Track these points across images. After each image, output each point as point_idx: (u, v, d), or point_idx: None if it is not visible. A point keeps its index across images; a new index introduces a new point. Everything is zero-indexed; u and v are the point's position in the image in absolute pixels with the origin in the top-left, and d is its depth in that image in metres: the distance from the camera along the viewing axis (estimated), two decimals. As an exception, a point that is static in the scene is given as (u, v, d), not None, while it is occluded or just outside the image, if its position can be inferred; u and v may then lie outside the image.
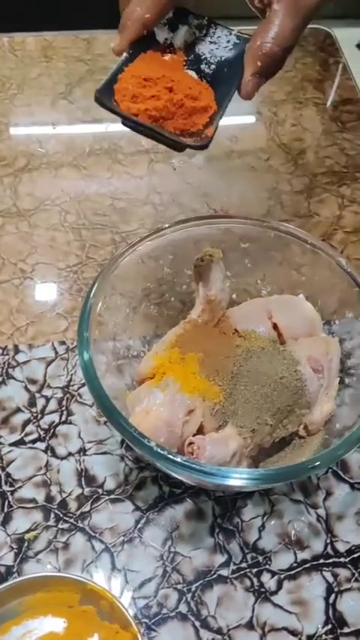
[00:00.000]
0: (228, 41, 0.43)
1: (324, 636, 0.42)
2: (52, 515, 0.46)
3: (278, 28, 0.40)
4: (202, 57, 0.43)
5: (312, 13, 0.41)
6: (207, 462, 0.40)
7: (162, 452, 0.38)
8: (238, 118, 0.74)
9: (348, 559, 0.45)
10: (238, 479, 0.38)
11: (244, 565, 0.44)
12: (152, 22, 0.41)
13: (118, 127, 0.71)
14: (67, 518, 0.45)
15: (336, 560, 0.45)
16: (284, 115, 0.74)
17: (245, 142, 0.71)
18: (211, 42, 0.43)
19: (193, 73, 0.43)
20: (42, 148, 0.68)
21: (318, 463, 0.39)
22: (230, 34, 0.43)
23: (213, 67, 0.43)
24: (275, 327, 0.48)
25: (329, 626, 0.42)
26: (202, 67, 0.43)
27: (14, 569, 0.44)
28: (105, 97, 0.40)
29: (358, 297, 0.48)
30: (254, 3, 0.42)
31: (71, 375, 0.52)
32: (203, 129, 0.40)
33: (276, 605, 0.43)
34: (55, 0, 1.05)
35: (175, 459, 0.38)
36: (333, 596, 0.43)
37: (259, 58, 0.40)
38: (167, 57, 0.42)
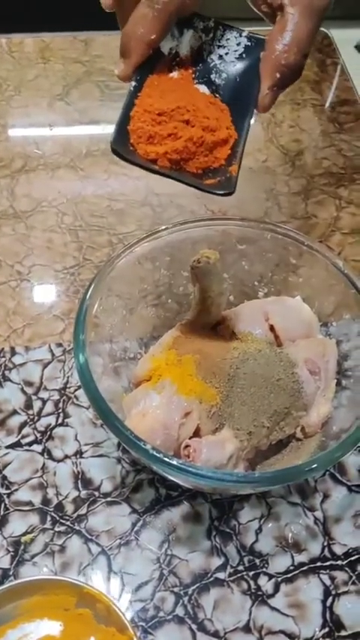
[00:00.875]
0: (238, 44, 0.40)
1: (321, 639, 0.42)
2: (49, 518, 0.45)
3: (295, 33, 0.37)
4: (212, 65, 0.40)
5: (324, 13, 0.38)
6: (203, 464, 0.40)
7: (158, 455, 0.38)
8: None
9: (345, 562, 0.45)
10: (235, 482, 0.38)
11: (241, 568, 0.44)
12: (157, 41, 0.38)
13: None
14: (63, 521, 0.45)
15: (333, 562, 0.45)
16: (282, 116, 0.74)
17: (243, 143, 0.71)
18: (219, 46, 0.40)
19: (204, 89, 0.40)
20: (39, 150, 0.68)
21: (315, 465, 0.39)
22: (240, 35, 0.40)
23: (224, 75, 0.40)
24: (272, 329, 0.48)
25: (326, 629, 0.42)
26: (213, 77, 0.40)
27: (10, 572, 0.43)
28: (120, 144, 0.37)
29: (355, 298, 0.48)
30: (260, 7, 0.39)
31: (68, 377, 0.52)
32: (226, 164, 0.38)
33: (273, 609, 0.43)
34: (53, 1, 1.05)
35: (170, 461, 0.37)
36: (330, 599, 0.43)
37: (278, 69, 0.37)
38: (175, 73, 0.39)
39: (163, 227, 0.50)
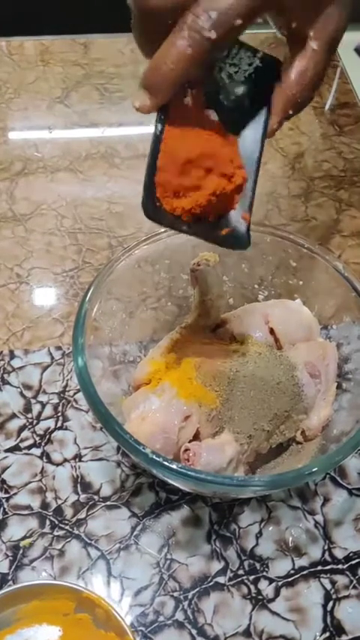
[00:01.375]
0: (250, 64, 0.37)
1: (322, 644, 0.42)
2: (48, 522, 0.45)
3: (316, 70, 0.35)
4: (221, 84, 0.38)
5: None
6: (203, 468, 0.39)
7: (157, 459, 0.37)
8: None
9: (346, 566, 0.44)
10: (235, 485, 0.38)
11: (241, 572, 0.44)
12: (184, 80, 0.33)
13: (114, 131, 0.71)
14: (62, 525, 0.45)
15: (334, 566, 0.44)
16: (281, 118, 0.74)
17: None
18: (231, 64, 0.38)
19: (214, 115, 0.37)
20: (38, 152, 0.68)
21: (315, 469, 0.39)
22: (254, 55, 0.37)
23: (232, 97, 0.38)
24: (272, 332, 0.48)
25: (327, 634, 0.42)
26: (221, 98, 0.38)
27: (9, 577, 0.43)
28: (149, 202, 0.37)
29: (355, 301, 0.48)
30: (279, 28, 0.36)
31: (67, 380, 0.52)
32: (237, 207, 0.37)
33: (273, 613, 0.43)
34: (52, 4, 1.05)
35: (170, 465, 0.37)
36: (331, 604, 0.43)
37: (293, 106, 0.35)
38: (189, 98, 0.37)
39: (163, 230, 0.50)
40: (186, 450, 0.40)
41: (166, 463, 0.37)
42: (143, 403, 0.42)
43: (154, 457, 0.37)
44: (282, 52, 0.78)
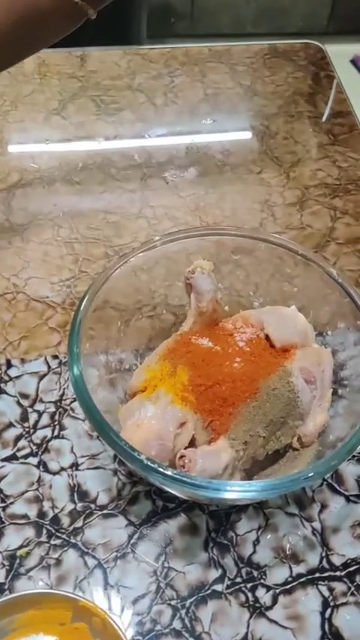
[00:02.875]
0: None
1: (320, 652, 0.41)
2: (45, 531, 0.45)
3: None
4: None
5: None
6: (198, 474, 0.39)
7: (153, 465, 0.37)
8: (230, 132, 0.74)
9: (344, 572, 0.44)
10: (231, 491, 0.38)
11: (238, 580, 0.44)
12: None
13: (110, 142, 0.72)
14: (59, 534, 0.45)
15: (332, 573, 0.44)
16: (276, 128, 0.74)
17: (237, 155, 0.71)
18: None
19: None
20: (35, 164, 0.69)
21: (311, 474, 0.39)
22: None
23: None
24: (267, 338, 0.48)
25: (325, 642, 0.42)
26: None
27: (5, 587, 0.43)
28: None
29: (350, 308, 0.48)
30: None
31: (64, 389, 0.52)
32: None
33: (271, 621, 0.42)
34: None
35: (165, 472, 0.37)
36: (329, 611, 0.43)
37: None
38: None
39: (158, 237, 0.50)
40: (182, 456, 0.40)
41: (161, 469, 0.37)
42: (138, 410, 0.42)
43: (149, 463, 0.37)
44: (277, 64, 0.79)
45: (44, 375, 0.53)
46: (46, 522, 0.45)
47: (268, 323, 0.49)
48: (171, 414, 0.41)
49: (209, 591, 0.43)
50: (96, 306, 0.46)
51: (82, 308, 0.45)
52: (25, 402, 0.51)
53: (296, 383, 0.45)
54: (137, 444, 0.39)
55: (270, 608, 0.43)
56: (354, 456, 0.49)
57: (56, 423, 0.50)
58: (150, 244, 0.51)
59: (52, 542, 0.45)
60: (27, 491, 0.47)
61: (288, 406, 0.44)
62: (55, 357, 0.54)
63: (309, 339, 0.49)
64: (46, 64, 0.79)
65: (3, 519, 0.45)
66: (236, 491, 0.38)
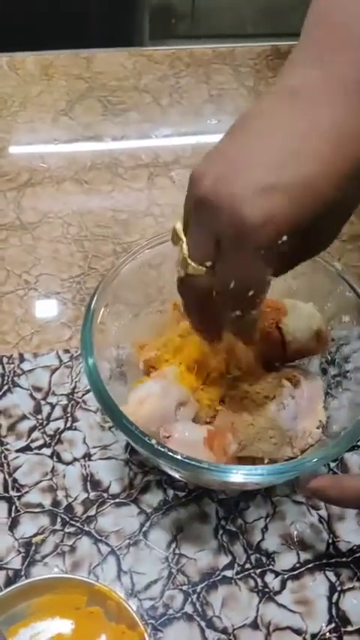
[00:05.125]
0: None
1: (328, 635, 0.43)
2: (59, 520, 0.46)
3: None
4: None
5: None
6: (179, 445, 0.40)
7: (163, 450, 0.39)
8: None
9: (350, 559, 0.45)
10: (237, 474, 0.39)
11: (248, 566, 0.45)
12: None
13: (117, 142, 0.73)
14: (73, 522, 0.46)
15: (338, 560, 0.45)
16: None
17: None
18: None
19: None
20: (44, 163, 0.70)
21: (315, 460, 0.40)
22: None
23: None
24: (279, 329, 0.49)
25: (333, 625, 0.43)
26: None
27: (22, 573, 0.44)
28: None
29: (354, 302, 0.49)
30: None
31: (75, 382, 0.53)
32: None
33: (280, 605, 0.44)
34: (55, 20, 1.08)
35: (175, 456, 0.39)
36: (336, 596, 0.44)
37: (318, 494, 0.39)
38: None
39: (166, 232, 0.51)
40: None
41: (170, 453, 0.39)
42: (142, 388, 0.43)
43: (159, 448, 0.39)
44: (279, 65, 0.80)
45: (56, 369, 0.54)
46: (60, 511, 0.47)
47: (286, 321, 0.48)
48: (174, 391, 0.42)
49: (219, 577, 0.44)
50: (107, 300, 0.48)
51: (94, 302, 0.46)
52: (38, 395, 0.52)
53: (286, 392, 0.45)
54: (140, 420, 0.40)
55: (279, 592, 0.44)
56: (358, 446, 0.51)
57: (69, 415, 0.51)
58: (158, 241, 0.52)
59: (67, 529, 0.46)
60: (41, 481, 0.48)
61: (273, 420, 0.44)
62: (67, 351, 0.55)
63: (320, 344, 0.49)
64: (53, 66, 0.81)
65: (18, 508, 0.47)
66: (242, 474, 0.40)
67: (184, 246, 0.36)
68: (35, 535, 0.46)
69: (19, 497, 0.47)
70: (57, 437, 0.50)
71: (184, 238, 0.36)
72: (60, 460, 0.49)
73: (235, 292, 0.34)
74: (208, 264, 0.35)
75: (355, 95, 0.32)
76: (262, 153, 0.33)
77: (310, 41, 0.35)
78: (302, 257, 0.37)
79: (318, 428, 0.46)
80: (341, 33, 0.33)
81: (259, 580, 0.45)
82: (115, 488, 0.48)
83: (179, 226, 0.37)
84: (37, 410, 0.52)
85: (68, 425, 0.51)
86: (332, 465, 0.50)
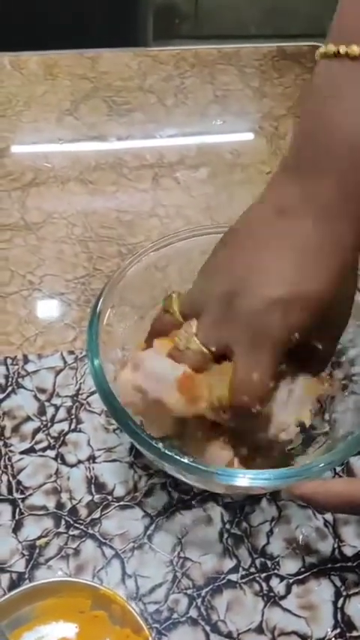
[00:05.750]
0: None
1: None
2: (63, 522, 0.46)
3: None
4: None
5: None
6: (147, 376, 0.39)
7: (169, 453, 0.39)
8: (240, 132, 0.75)
9: (355, 563, 0.45)
10: (243, 478, 0.39)
11: (253, 570, 0.45)
12: None
13: (122, 142, 0.73)
14: (77, 525, 0.46)
15: (343, 564, 0.45)
16: (285, 129, 0.75)
17: (247, 155, 0.72)
18: None
19: None
20: (48, 163, 0.70)
21: (322, 465, 0.40)
22: None
23: None
24: None
25: (338, 630, 0.43)
26: None
27: (25, 576, 0.44)
28: None
29: (360, 307, 0.49)
30: None
31: (80, 384, 0.53)
32: None
33: (285, 610, 0.43)
34: (58, 20, 1.08)
35: (181, 459, 0.38)
36: (341, 600, 0.44)
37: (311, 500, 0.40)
38: None
39: (172, 235, 0.51)
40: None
41: (176, 457, 0.38)
42: (133, 356, 0.41)
43: (166, 451, 0.39)
44: (285, 66, 0.80)
45: (61, 370, 0.54)
46: (65, 513, 0.46)
47: None
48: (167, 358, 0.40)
49: (224, 581, 0.44)
50: (113, 302, 0.48)
51: (100, 303, 0.46)
52: (43, 397, 0.52)
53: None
54: (135, 385, 0.39)
55: (284, 597, 0.44)
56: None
57: (73, 416, 0.51)
58: (164, 243, 0.52)
59: (71, 532, 0.46)
60: (45, 483, 0.48)
61: None
62: (71, 352, 0.55)
63: None
64: (57, 65, 0.80)
65: (22, 510, 0.46)
66: (248, 478, 0.39)
67: (192, 323, 0.40)
68: (39, 538, 0.45)
69: (22, 500, 0.47)
70: (61, 439, 0.50)
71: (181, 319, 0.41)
72: (64, 462, 0.49)
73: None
74: (213, 349, 0.38)
75: (331, 215, 0.36)
76: (268, 268, 0.37)
77: (294, 161, 0.38)
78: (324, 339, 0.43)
79: (297, 427, 0.45)
80: (325, 158, 0.36)
81: (264, 584, 0.44)
82: (119, 491, 0.48)
83: (175, 297, 0.42)
84: (42, 411, 0.51)
85: (73, 427, 0.51)
86: (338, 469, 0.50)
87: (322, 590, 0.44)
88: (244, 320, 0.37)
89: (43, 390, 0.52)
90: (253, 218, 0.39)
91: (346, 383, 0.49)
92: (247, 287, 0.37)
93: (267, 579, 0.44)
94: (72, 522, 0.46)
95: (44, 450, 0.49)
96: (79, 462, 0.49)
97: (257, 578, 0.44)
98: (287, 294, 0.36)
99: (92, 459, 0.49)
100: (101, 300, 0.46)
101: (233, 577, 0.44)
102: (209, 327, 0.39)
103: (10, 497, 0.47)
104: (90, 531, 0.46)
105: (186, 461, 0.39)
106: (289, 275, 0.37)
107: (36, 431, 0.50)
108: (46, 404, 0.52)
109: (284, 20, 2.03)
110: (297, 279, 0.37)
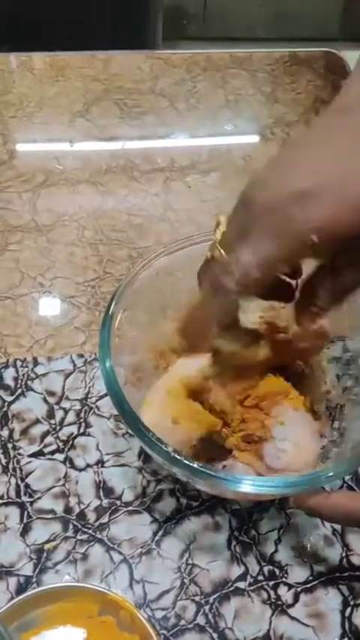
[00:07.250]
0: None
1: (341, 650, 0.42)
2: (71, 526, 0.46)
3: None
4: None
5: None
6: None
7: (178, 457, 0.38)
8: (251, 137, 0.75)
9: (363, 573, 0.45)
10: (251, 485, 0.39)
11: (260, 578, 0.45)
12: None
13: (134, 144, 0.73)
14: (85, 530, 0.46)
15: (351, 573, 0.45)
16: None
17: (259, 161, 0.72)
18: None
19: None
20: (60, 165, 0.70)
21: (331, 474, 0.40)
22: None
23: None
24: None
25: (346, 639, 0.43)
26: None
27: (33, 580, 0.44)
28: None
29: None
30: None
31: (89, 387, 0.53)
32: None
33: (293, 618, 0.43)
34: (67, 21, 1.08)
35: (191, 464, 0.38)
36: (349, 610, 0.44)
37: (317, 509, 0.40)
38: None
39: (183, 238, 0.51)
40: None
41: (186, 462, 0.38)
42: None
43: (175, 455, 0.39)
44: (297, 72, 0.79)
45: (70, 373, 0.54)
46: (73, 517, 0.46)
47: None
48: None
49: (232, 588, 0.44)
50: (125, 305, 0.47)
51: (112, 305, 0.46)
52: (52, 400, 0.52)
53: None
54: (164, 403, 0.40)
55: (291, 605, 0.44)
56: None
57: (82, 420, 0.51)
58: (176, 247, 0.51)
59: (79, 537, 0.46)
60: (54, 487, 0.48)
61: None
62: (81, 355, 0.55)
63: None
64: (69, 67, 0.80)
65: (30, 514, 0.46)
66: (256, 485, 0.39)
67: (219, 232, 0.39)
68: (47, 542, 0.45)
69: (31, 503, 0.47)
70: (70, 442, 0.50)
71: (221, 228, 0.39)
72: (73, 466, 0.49)
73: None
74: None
75: None
76: (304, 163, 0.35)
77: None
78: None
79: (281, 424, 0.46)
80: None
81: (271, 592, 0.44)
82: (128, 496, 0.47)
83: (223, 219, 0.40)
84: (51, 414, 0.51)
85: (81, 430, 0.51)
86: (347, 478, 0.49)
87: (330, 599, 0.44)
88: (262, 211, 0.35)
89: (52, 393, 0.52)
90: (313, 122, 0.39)
91: (354, 398, 0.49)
92: (274, 177, 0.36)
93: (275, 587, 0.44)
94: (80, 527, 0.46)
95: (53, 453, 0.49)
96: (88, 465, 0.49)
97: (265, 586, 0.44)
98: (314, 185, 0.34)
99: (101, 463, 0.49)
100: (114, 302, 0.46)
101: (241, 584, 0.44)
102: (230, 228, 0.38)
103: (19, 500, 0.47)
104: (98, 536, 0.46)
105: (195, 465, 0.39)
106: (325, 168, 0.34)
107: (45, 434, 0.50)
108: (55, 407, 0.52)
109: (291, 21, 2.03)
110: (333, 172, 0.34)
